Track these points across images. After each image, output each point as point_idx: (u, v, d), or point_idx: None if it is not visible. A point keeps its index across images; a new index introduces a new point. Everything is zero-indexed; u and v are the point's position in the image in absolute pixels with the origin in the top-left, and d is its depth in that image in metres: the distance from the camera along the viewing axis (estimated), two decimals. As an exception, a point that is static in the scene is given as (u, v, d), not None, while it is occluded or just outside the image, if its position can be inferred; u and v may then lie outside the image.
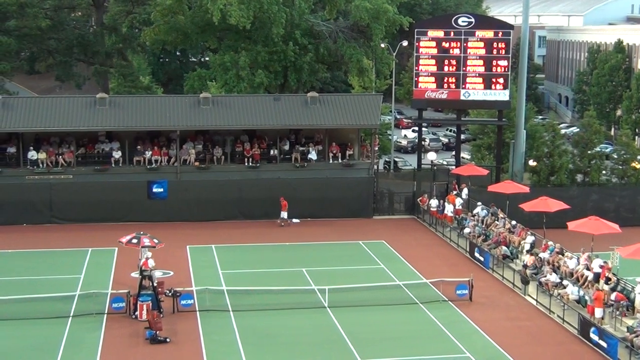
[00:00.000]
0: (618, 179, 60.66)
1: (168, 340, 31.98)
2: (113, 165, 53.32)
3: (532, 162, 60.66)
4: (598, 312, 33.41)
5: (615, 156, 62.45)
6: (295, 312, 35.40)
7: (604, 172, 61.56)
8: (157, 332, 32.01)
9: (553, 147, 60.87)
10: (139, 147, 54.02)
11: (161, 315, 33.92)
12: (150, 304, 33.87)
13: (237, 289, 37.55)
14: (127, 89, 76.88)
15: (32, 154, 52.46)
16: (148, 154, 53.64)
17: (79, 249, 45.42)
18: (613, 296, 34.11)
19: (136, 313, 34.20)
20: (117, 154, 53.49)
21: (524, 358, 30.74)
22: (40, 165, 52.34)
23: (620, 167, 60.94)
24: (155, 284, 35.00)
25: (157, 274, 36.76)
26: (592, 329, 32.37)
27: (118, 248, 42.77)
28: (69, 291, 36.83)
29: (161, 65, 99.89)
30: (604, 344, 31.36)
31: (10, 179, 51.46)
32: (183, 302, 35.46)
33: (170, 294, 35.44)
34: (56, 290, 36.60)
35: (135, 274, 37.64)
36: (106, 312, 34.80)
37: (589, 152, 61.30)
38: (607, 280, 35.20)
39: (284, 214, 50.18)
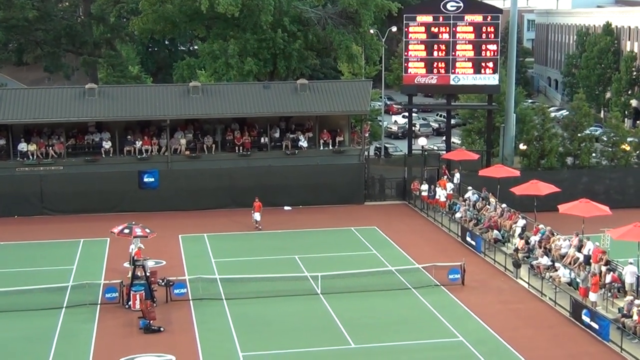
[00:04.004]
0: (608, 161, 60.85)
1: (162, 329, 32.03)
2: (103, 155, 53.25)
3: (522, 146, 60.79)
4: (593, 297, 33.55)
5: (605, 138, 62.60)
6: (288, 300, 35.48)
7: (594, 154, 61.73)
8: (151, 322, 32.05)
9: (543, 130, 61.00)
10: (129, 137, 53.93)
11: (154, 305, 33.94)
12: (144, 294, 33.89)
13: (230, 277, 37.59)
14: (116, 79, 76.68)
15: (22, 146, 52.32)
16: (138, 143, 53.57)
17: (71, 240, 45.37)
18: (609, 278, 34.26)
19: (129, 303, 34.22)
20: (107, 144, 53.40)
21: (517, 341, 30.90)
22: (31, 156, 52.22)
23: (610, 149, 61.11)
24: (148, 274, 35.02)
25: (150, 263, 36.76)
26: (584, 311, 32.55)
27: (110, 238, 42.76)
28: (61, 282, 36.78)
29: (150, 54, 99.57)
30: (596, 326, 31.55)
31: (1, 171, 51.35)
32: (176, 291, 35.50)
33: (163, 284, 35.48)
34: (49, 282, 36.56)
35: (128, 264, 37.68)
36: (99, 302, 34.81)
37: (578, 135, 61.45)
38: (607, 263, 35.28)
39: (257, 216, 47.60)
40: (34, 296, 34.80)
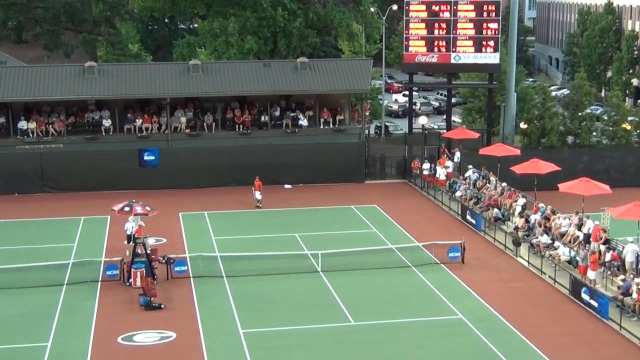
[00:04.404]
0: (608, 140, 60.83)
1: (162, 306, 32.14)
2: (103, 133, 53.23)
3: (523, 125, 60.74)
4: (592, 274, 33.64)
5: (606, 117, 62.57)
6: (288, 277, 35.58)
7: (594, 133, 61.68)
8: (152, 299, 32.16)
9: (544, 109, 60.94)
10: (129, 115, 53.89)
11: (155, 282, 34.02)
12: (144, 271, 33.98)
13: (231, 255, 37.68)
14: (115, 57, 76.49)
15: (22, 124, 52.29)
16: (138, 122, 53.52)
17: (72, 217, 45.41)
18: (608, 256, 34.32)
19: (130, 280, 34.32)
20: (107, 123, 53.35)
21: (516, 319, 31.01)
22: (31, 134, 52.18)
23: (611, 128, 61.07)
24: (148, 251, 35.10)
25: (151, 241, 36.83)
26: (583, 289, 32.65)
27: (110, 216, 42.79)
28: (62, 260, 36.89)
29: (150, 32, 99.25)
30: (595, 304, 31.66)
31: (1, 148, 51.39)
32: (177, 268, 35.60)
33: (163, 261, 35.56)
34: (50, 259, 36.67)
35: (125, 242, 37.78)
36: (100, 279, 34.91)
37: (579, 114, 61.38)
38: (607, 241, 35.32)
39: (258, 194, 47.59)
40: (35, 273, 34.90)
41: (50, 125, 52.60)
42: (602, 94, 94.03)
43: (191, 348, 28.41)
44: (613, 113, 61.58)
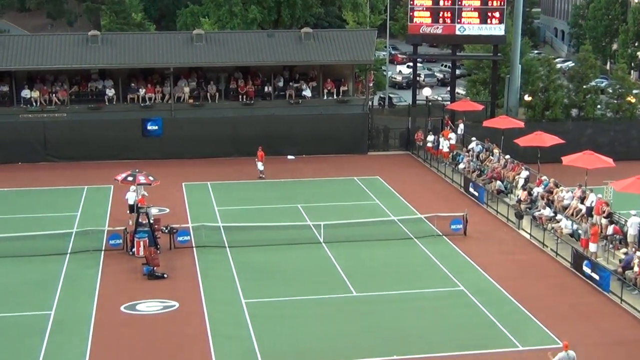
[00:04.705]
0: (613, 113, 60.67)
1: (165, 275, 32.27)
2: (107, 103, 53.17)
3: (527, 97, 60.57)
4: (592, 247, 33.70)
5: (611, 90, 62.34)
6: (290, 248, 35.67)
7: (598, 106, 61.50)
8: (155, 268, 32.28)
9: (548, 81, 60.74)
10: (132, 84, 53.79)
11: (158, 252, 34.14)
12: (147, 241, 34.07)
13: (233, 225, 37.76)
14: (119, 26, 76.26)
15: (26, 93, 52.24)
16: (142, 91, 53.43)
17: (75, 187, 45.49)
18: (610, 230, 34.35)
19: (133, 250, 34.43)
20: (110, 92, 53.27)
21: (517, 291, 31.10)
22: (34, 103, 52.16)
23: (615, 101, 60.88)
24: (151, 221, 35.18)
25: (154, 211, 36.92)
26: (585, 262, 32.72)
27: (114, 186, 42.85)
28: (65, 229, 36.98)
29: (153, 1, 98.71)
30: (597, 277, 31.73)
31: (4, 117, 51.40)
32: (180, 238, 35.70)
33: (166, 231, 35.65)
34: (53, 228, 36.77)
35: (128, 212, 37.87)
36: (103, 248, 35.04)
37: (584, 86, 61.20)
38: (609, 215, 35.32)
39: (260, 165, 47.52)
40: (38, 242, 35.02)
41: (54, 94, 52.54)
42: (607, 67, 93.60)
43: (193, 317, 28.55)
44: (618, 86, 61.36)
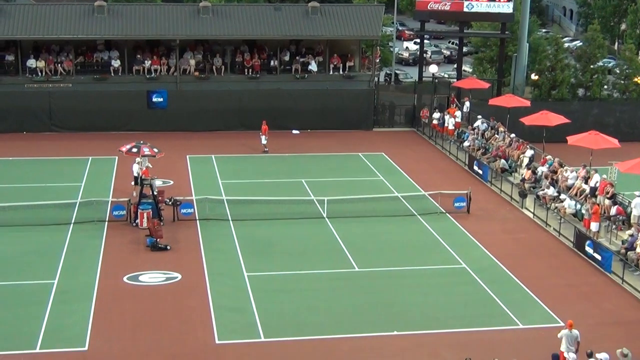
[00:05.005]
0: (619, 93, 60.45)
1: (168, 247, 32.38)
2: (112, 74, 53.06)
3: (534, 76, 60.35)
4: (594, 226, 33.73)
5: (618, 71, 62.10)
6: (294, 223, 35.74)
7: (605, 86, 61.25)
8: (158, 240, 32.39)
9: (555, 60, 60.50)
10: (138, 56, 53.65)
11: (161, 224, 34.26)
12: (151, 212, 34.13)
13: (237, 198, 37.82)
14: (125, -3, 75.76)
15: (31, 62, 52.15)
16: (147, 63, 53.31)
17: (80, 157, 45.54)
18: (613, 210, 34.33)
19: (137, 221, 34.52)
20: (116, 63, 53.16)
21: (519, 269, 31.18)
22: (39, 73, 52.07)
23: (622, 81, 60.65)
24: (155, 193, 35.24)
25: (158, 182, 36.96)
26: (588, 242, 32.75)
27: (118, 157, 42.90)
28: (70, 199, 37.06)
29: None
30: (599, 257, 31.78)
31: (9, 87, 51.33)
32: (183, 211, 35.76)
33: (170, 203, 35.72)
34: (57, 198, 36.85)
35: (133, 184, 37.91)
36: (107, 219, 35.12)
37: (591, 66, 60.96)
38: (613, 196, 35.28)
39: (264, 139, 47.43)
40: (42, 212, 35.12)
41: (59, 64, 52.44)
42: (615, 47, 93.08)
43: (196, 289, 28.67)
44: (625, 66, 61.09)
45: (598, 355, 19.34)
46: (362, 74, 56.40)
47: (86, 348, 24.34)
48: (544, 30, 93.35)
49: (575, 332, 22.90)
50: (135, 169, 37.43)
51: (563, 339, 22.75)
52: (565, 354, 20.99)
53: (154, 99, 51.98)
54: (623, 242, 32.37)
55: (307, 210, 37.00)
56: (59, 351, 24.11)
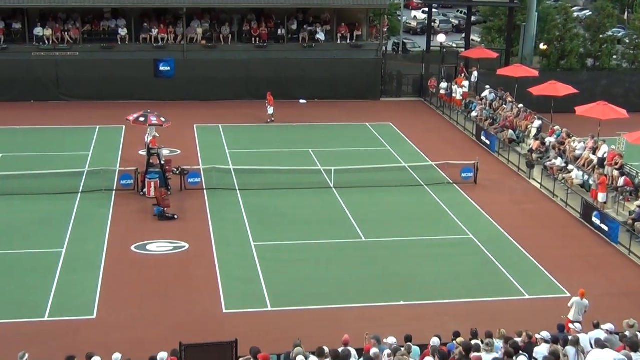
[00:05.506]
0: (629, 64, 60.05)
1: (176, 217, 32.46)
2: (119, 42, 52.85)
3: (542, 46, 59.95)
4: (601, 197, 33.68)
5: (627, 41, 61.64)
6: (301, 192, 35.76)
7: (614, 56, 60.84)
8: (165, 209, 32.46)
9: (564, 30, 60.06)
10: (145, 24, 53.40)
11: (169, 193, 34.33)
12: (158, 182, 34.18)
13: (244, 168, 37.85)
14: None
15: (38, 30, 51.96)
16: (154, 31, 53.08)
17: (87, 126, 45.53)
18: (621, 181, 34.26)
19: (144, 190, 34.58)
20: (123, 32, 52.93)
21: (526, 240, 31.21)
22: (46, 41, 51.90)
23: (632, 51, 60.22)
24: (162, 162, 35.26)
25: (165, 152, 36.96)
26: (595, 212, 32.73)
27: (125, 126, 42.90)
28: (77, 168, 37.11)
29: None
30: (606, 228, 31.78)
31: (17, 55, 51.18)
32: (190, 180, 35.80)
33: (177, 172, 35.74)
34: (65, 167, 36.89)
35: (143, 152, 37.90)
36: (115, 188, 35.19)
37: (600, 36, 60.49)
38: (621, 167, 35.16)
39: (271, 109, 47.32)
40: (50, 180, 35.20)
41: (66, 33, 52.25)
42: (625, 17, 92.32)
43: (203, 258, 28.79)
44: (635, 36, 60.64)
45: (604, 326, 19.36)
46: (369, 43, 56.09)
47: (94, 316, 24.53)
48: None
49: (586, 301, 22.96)
50: (148, 139, 37.40)
51: (573, 306, 22.83)
52: (571, 325, 21.04)
53: (161, 68, 51.84)
54: (630, 213, 32.36)
55: (314, 180, 37.01)
56: (67, 319, 24.29)
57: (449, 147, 43.37)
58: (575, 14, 70.62)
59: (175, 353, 19.05)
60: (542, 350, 17.72)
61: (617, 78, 54.34)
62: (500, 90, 48.29)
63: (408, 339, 19.10)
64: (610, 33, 61.81)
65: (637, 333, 18.76)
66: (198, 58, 52.82)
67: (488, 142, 43.67)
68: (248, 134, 45.45)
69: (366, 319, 24.40)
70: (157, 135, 36.63)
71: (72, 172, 36.18)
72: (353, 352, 17.71)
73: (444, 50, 60.10)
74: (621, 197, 34.02)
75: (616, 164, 35.17)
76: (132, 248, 29.56)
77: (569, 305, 23.06)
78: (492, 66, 54.18)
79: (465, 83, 51.17)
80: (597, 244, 31.44)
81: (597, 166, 36.11)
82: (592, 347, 18.38)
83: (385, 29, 60.03)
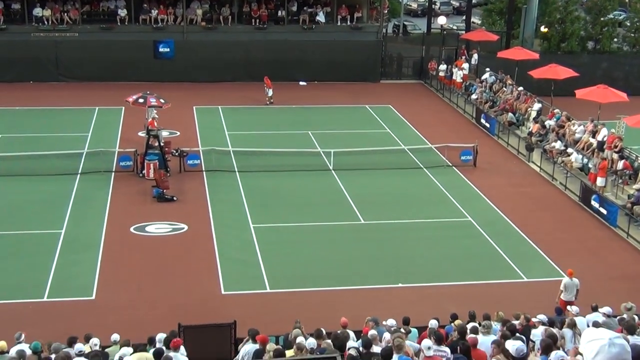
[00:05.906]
0: (629, 47, 59.90)
1: (175, 198, 32.47)
2: (119, 23, 52.69)
3: (543, 28, 59.76)
4: (600, 181, 33.68)
5: (629, 24, 61.43)
6: (300, 174, 35.76)
7: (615, 39, 60.67)
8: (164, 191, 32.47)
9: (565, 13, 59.87)
10: (144, 5, 53.20)
11: (168, 174, 34.33)
12: (157, 163, 34.16)
13: (243, 150, 37.82)
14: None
15: (37, 11, 51.79)
16: (154, 12, 52.90)
17: (86, 107, 45.47)
18: (620, 165, 34.25)
19: (143, 172, 34.57)
20: (122, 12, 52.77)
21: (525, 223, 31.24)
22: (46, 22, 51.73)
23: (633, 34, 60.03)
24: (162, 144, 35.23)
25: (164, 133, 36.91)
26: (593, 196, 32.75)
27: (125, 107, 42.82)
28: (76, 149, 37.09)
29: None
30: (604, 211, 31.81)
31: (16, 35, 51.02)
32: (190, 162, 35.79)
33: (177, 154, 35.72)
34: (64, 148, 36.87)
35: (142, 133, 37.86)
36: (114, 170, 35.18)
37: (602, 19, 60.27)
38: (620, 150, 35.13)
39: (270, 91, 47.25)
40: (49, 161, 35.18)
41: (65, 13, 52.08)
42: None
43: (202, 240, 28.83)
44: (636, 19, 60.45)
45: (602, 309, 19.42)
46: (370, 25, 55.92)
47: (93, 297, 24.59)
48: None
49: (576, 280, 23.08)
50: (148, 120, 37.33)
51: (566, 287, 22.94)
52: (569, 307, 21.08)
53: (161, 49, 51.70)
54: (629, 196, 32.36)
55: (314, 162, 37.00)
56: (66, 300, 24.37)
57: (449, 130, 43.32)
58: (577, -3, 70.35)
59: (174, 334, 19.09)
60: (539, 332, 17.78)
61: (618, 61, 54.21)
62: (500, 73, 48.19)
63: (406, 321, 19.17)
64: (611, 16, 61.61)
65: (635, 316, 18.83)
66: (198, 39, 52.67)
67: (488, 124, 43.63)
68: (247, 115, 45.39)
69: (365, 301, 24.45)
70: (157, 116, 36.58)
71: (71, 153, 36.17)
72: (351, 334, 17.76)
73: (445, 32, 59.97)
74: (620, 181, 34.02)
75: (616, 147, 35.13)
76: (131, 229, 29.59)
77: (561, 288, 23.14)
78: (493, 49, 54.03)
79: (465, 65, 51.06)
80: (596, 227, 31.47)
81: (596, 150, 36.08)
82: (589, 330, 18.41)
83: (386, 11, 59.86)
